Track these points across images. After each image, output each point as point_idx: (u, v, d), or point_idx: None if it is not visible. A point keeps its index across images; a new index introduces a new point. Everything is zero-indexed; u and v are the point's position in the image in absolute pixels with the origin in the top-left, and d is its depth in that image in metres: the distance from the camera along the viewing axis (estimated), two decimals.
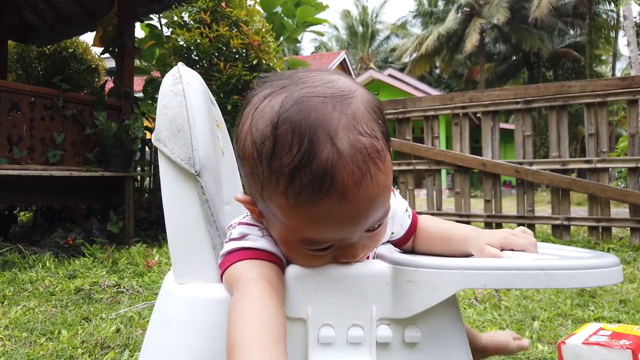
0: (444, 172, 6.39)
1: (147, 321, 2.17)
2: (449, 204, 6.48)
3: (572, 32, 26.16)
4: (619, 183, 8.26)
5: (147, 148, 5.51)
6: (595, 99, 4.38)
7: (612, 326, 1.51)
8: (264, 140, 0.62)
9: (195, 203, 0.77)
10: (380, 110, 0.68)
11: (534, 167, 4.67)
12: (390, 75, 19.57)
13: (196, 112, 0.80)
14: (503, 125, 16.66)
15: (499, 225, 4.92)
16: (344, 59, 22.91)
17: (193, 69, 1.01)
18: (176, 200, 0.78)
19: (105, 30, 5.03)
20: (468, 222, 4.94)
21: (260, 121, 0.64)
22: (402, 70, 26.03)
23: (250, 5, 4.85)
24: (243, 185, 0.83)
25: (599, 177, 4.39)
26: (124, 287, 2.84)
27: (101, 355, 1.82)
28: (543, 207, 7.62)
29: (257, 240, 0.72)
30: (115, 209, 4.65)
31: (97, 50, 5.98)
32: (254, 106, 0.66)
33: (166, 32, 5.39)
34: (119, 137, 4.43)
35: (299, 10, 6.03)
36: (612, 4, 20.68)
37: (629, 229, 4.36)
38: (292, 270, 0.71)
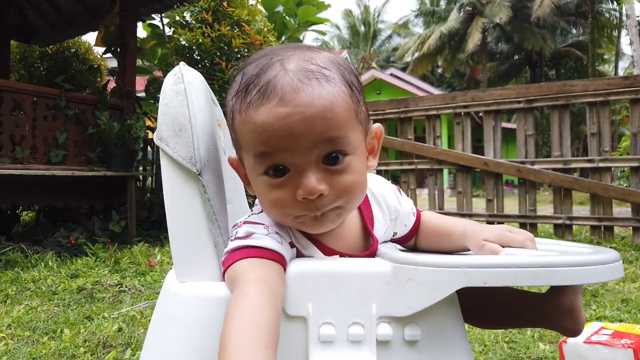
0: (445, 171, 6.39)
1: (149, 320, 2.17)
2: (450, 204, 6.48)
3: (574, 31, 26.09)
4: (621, 182, 8.23)
5: (149, 148, 5.52)
6: (597, 98, 4.38)
7: (614, 325, 1.51)
8: (236, 82, 0.75)
9: (197, 202, 0.77)
10: (347, 65, 0.76)
11: (536, 167, 4.67)
12: (392, 75, 19.55)
13: (198, 112, 0.80)
14: (505, 125, 16.65)
15: None
16: (346, 58, 22.91)
17: (195, 68, 1.02)
18: (178, 199, 0.79)
19: (108, 30, 5.05)
20: None
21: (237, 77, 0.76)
22: (404, 69, 25.99)
23: (252, 5, 4.85)
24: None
25: (601, 177, 4.39)
26: (126, 287, 2.85)
27: (103, 354, 1.82)
28: (545, 207, 7.60)
29: (262, 238, 0.72)
30: (118, 208, 4.66)
31: (100, 50, 6.00)
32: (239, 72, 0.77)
33: (168, 31, 5.40)
34: (121, 137, 4.44)
35: (300, 9, 6.04)
36: (615, 2, 20.61)
37: (631, 228, 4.35)
38: (293, 268, 0.72)
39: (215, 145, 0.85)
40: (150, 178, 5.77)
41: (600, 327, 1.50)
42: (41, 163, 4.15)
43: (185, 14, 4.69)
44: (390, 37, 35.24)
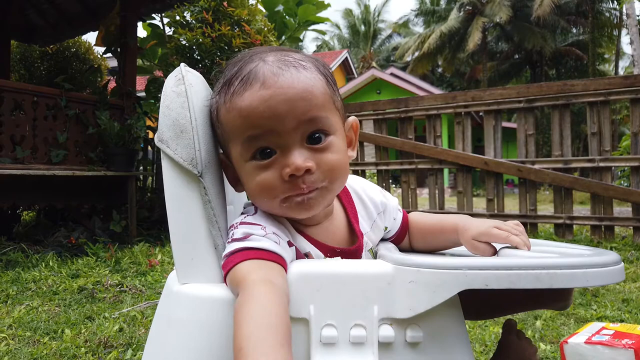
0: (446, 171, 6.40)
1: (150, 320, 2.17)
2: (451, 203, 6.49)
3: (574, 30, 26.07)
4: (622, 182, 8.24)
5: (149, 147, 5.52)
6: (598, 98, 4.37)
7: (615, 325, 1.50)
8: (218, 82, 0.80)
9: (197, 204, 0.78)
10: (322, 61, 0.82)
11: (537, 166, 4.67)
12: (392, 74, 19.53)
13: (198, 113, 0.80)
14: (505, 124, 16.63)
15: None
16: (346, 58, 22.90)
17: (195, 68, 1.02)
18: (179, 201, 0.79)
19: (108, 30, 5.04)
20: None
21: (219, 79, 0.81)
22: (404, 69, 25.97)
23: (252, 5, 4.85)
24: None
25: (602, 176, 4.38)
26: (127, 287, 2.85)
27: (104, 354, 1.83)
28: (545, 206, 7.61)
29: (260, 240, 0.73)
30: (118, 208, 4.66)
31: (100, 49, 6.00)
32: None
33: (168, 31, 5.40)
34: (121, 137, 4.44)
35: (300, 8, 6.04)
36: (615, 2, 20.60)
37: (631, 227, 4.35)
38: (295, 270, 0.72)
39: (216, 147, 0.85)
40: (150, 178, 5.77)
41: (601, 327, 1.50)
42: (42, 163, 4.15)
43: (185, 14, 4.69)
44: (390, 36, 35.22)
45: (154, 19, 5.81)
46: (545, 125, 20.00)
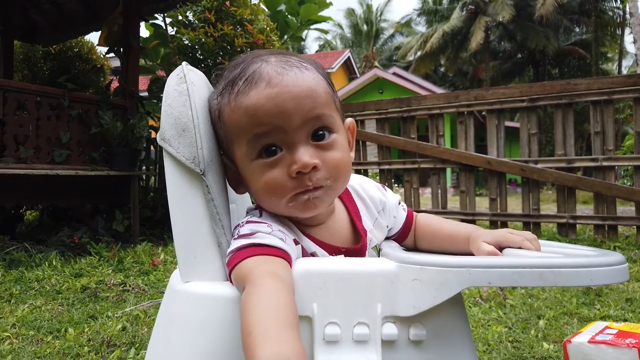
0: (448, 170, 6.38)
1: (153, 319, 2.18)
2: (453, 203, 6.48)
3: (577, 29, 26.00)
4: (625, 181, 8.22)
5: (152, 147, 5.53)
6: (601, 97, 4.36)
7: (618, 325, 1.50)
8: (219, 84, 0.81)
9: (200, 202, 0.78)
10: (321, 64, 0.83)
11: (540, 166, 4.66)
12: (394, 74, 19.51)
13: (200, 112, 0.80)
14: (508, 124, 16.59)
15: (504, 224, 4.91)
16: (349, 57, 22.90)
17: (198, 68, 1.02)
18: (182, 200, 0.79)
19: (111, 30, 5.05)
20: (473, 221, 4.93)
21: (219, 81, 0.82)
22: (406, 68, 25.95)
23: (254, 4, 4.85)
24: None
25: (605, 176, 4.37)
26: (130, 286, 2.86)
27: (107, 353, 1.83)
28: (548, 206, 7.59)
29: (266, 237, 0.73)
30: (121, 207, 4.67)
31: (102, 49, 6.02)
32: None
33: (171, 31, 5.41)
34: (124, 137, 4.45)
35: (302, 8, 6.04)
36: (618, 1, 20.54)
37: (635, 227, 4.33)
38: (298, 267, 0.72)
39: (218, 146, 0.85)
40: (153, 177, 5.78)
41: (605, 327, 1.49)
42: (45, 163, 4.16)
43: (188, 14, 4.70)
44: (392, 36, 35.18)
45: (157, 18, 5.82)
46: (548, 124, 19.94)
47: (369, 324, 0.69)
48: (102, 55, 6.53)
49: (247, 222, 0.78)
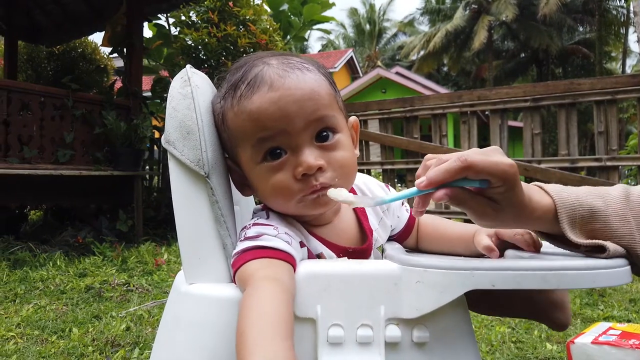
0: None
1: (157, 319, 2.18)
2: None
3: (581, 28, 25.90)
4: (629, 181, 8.18)
5: (155, 147, 5.54)
6: (604, 97, 4.35)
7: (622, 326, 1.50)
8: (221, 87, 0.81)
9: (205, 204, 0.78)
10: (322, 65, 0.83)
11: (543, 166, 4.65)
12: (397, 73, 19.48)
13: (205, 114, 0.81)
14: (511, 123, 16.52)
15: None
16: (352, 57, 22.87)
17: (201, 68, 1.02)
18: (186, 202, 0.79)
19: (114, 30, 5.06)
20: None
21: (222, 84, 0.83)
22: (409, 68, 25.89)
23: (257, 4, 4.86)
24: None
25: (609, 175, 4.36)
26: (134, 286, 2.87)
27: (111, 353, 1.84)
28: None
29: (272, 240, 0.73)
30: (125, 207, 4.68)
31: (106, 50, 6.02)
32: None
33: (174, 31, 5.42)
34: (127, 137, 4.46)
35: (305, 8, 6.04)
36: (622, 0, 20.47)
37: None
38: (302, 270, 0.72)
39: (222, 148, 0.85)
40: (156, 177, 5.79)
41: (608, 328, 1.49)
42: (49, 163, 4.18)
43: (191, 14, 4.70)
44: (395, 35, 35.12)
45: (160, 19, 5.83)
46: (552, 124, 19.89)
47: (373, 326, 0.70)
48: (105, 56, 6.54)
49: (254, 224, 0.78)
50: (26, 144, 4.08)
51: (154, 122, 5.21)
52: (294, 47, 14.52)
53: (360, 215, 0.91)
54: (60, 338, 2.00)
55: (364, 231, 0.89)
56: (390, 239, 0.98)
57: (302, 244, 0.80)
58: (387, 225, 0.95)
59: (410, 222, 0.99)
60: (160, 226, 4.94)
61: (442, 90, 18.67)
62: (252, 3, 4.79)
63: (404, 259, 0.71)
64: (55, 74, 6.07)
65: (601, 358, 1.37)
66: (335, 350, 0.69)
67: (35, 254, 3.63)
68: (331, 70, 19.80)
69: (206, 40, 4.36)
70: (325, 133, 0.77)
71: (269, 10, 5.51)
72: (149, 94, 5.60)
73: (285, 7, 6.30)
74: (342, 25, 35.15)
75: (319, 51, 33.36)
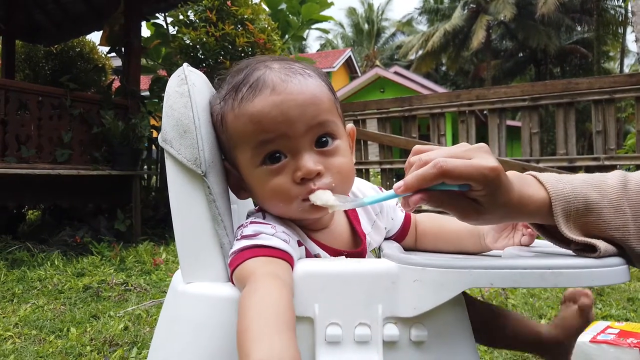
0: None
1: (155, 319, 2.18)
2: None
3: (579, 28, 25.93)
4: None
5: (153, 147, 5.54)
6: (602, 96, 4.35)
7: (620, 324, 1.50)
8: (222, 89, 0.81)
9: (202, 203, 0.78)
10: (322, 72, 0.83)
11: (541, 165, 4.65)
12: (396, 73, 19.49)
13: (202, 113, 0.80)
14: (510, 123, 16.52)
15: None
16: (350, 57, 22.88)
17: (199, 67, 1.02)
18: (183, 201, 0.79)
19: (112, 30, 5.05)
20: None
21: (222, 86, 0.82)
22: (408, 67, 25.92)
23: (255, 4, 4.85)
24: None
25: None
26: (132, 285, 2.86)
27: (109, 352, 1.83)
28: None
29: (269, 238, 0.73)
30: (123, 207, 4.68)
31: (104, 49, 6.01)
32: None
33: (172, 30, 5.41)
34: (125, 136, 4.45)
35: (304, 7, 6.03)
36: None
37: None
38: (300, 269, 0.72)
39: (219, 147, 0.85)
40: (155, 177, 5.79)
41: (606, 327, 1.49)
42: (47, 162, 4.17)
43: (189, 13, 4.70)
44: (394, 35, 35.13)
45: (158, 18, 5.82)
46: (550, 123, 19.91)
47: (370, 325, 0.70)
48: (103, 55, 6.53)
49: (251, 222, 0.78)
50: (24, 144, 4.07)
51: (152, 122, 5.20)
52: (292, 46, 14.51)
53: (352, 219, 0.91)
54: (58, 338, 2.00)
55: (358, 235, 0.90)
56: (389, 239, 0.98)
57: (299, 243, 0.80)
58: (380, 228, 0.95)
59: (407, 222, 0.99)
60: (159, 226, 4.93)
61: (441, 89, 18.68)
62: (250, 2, 4.78)
63: (402, 258, 0.71)
64: (53, 73, 6.06)
65: (599, 357, 1.38)
66: (333, 349, 0.69)
67: (33, 253, 3.62)
68: (329, 69, 19.84)
69: (204, 39, 4.35)
70: (324, 139, 0.77)
71: (267, 9, 5.50)
72: (147, 93, 5.59)
73: (283, 6, 6.29)
74: (341, 25, 35.16)
75: (318, 50, 33.36)
